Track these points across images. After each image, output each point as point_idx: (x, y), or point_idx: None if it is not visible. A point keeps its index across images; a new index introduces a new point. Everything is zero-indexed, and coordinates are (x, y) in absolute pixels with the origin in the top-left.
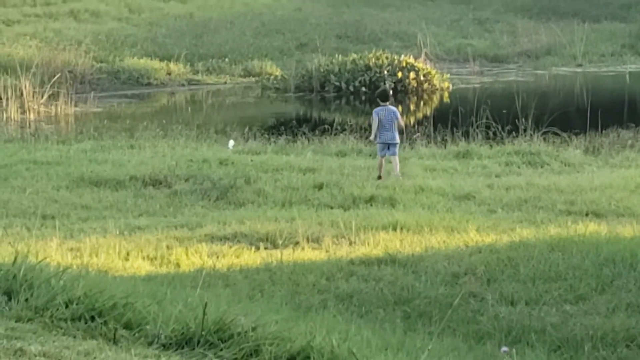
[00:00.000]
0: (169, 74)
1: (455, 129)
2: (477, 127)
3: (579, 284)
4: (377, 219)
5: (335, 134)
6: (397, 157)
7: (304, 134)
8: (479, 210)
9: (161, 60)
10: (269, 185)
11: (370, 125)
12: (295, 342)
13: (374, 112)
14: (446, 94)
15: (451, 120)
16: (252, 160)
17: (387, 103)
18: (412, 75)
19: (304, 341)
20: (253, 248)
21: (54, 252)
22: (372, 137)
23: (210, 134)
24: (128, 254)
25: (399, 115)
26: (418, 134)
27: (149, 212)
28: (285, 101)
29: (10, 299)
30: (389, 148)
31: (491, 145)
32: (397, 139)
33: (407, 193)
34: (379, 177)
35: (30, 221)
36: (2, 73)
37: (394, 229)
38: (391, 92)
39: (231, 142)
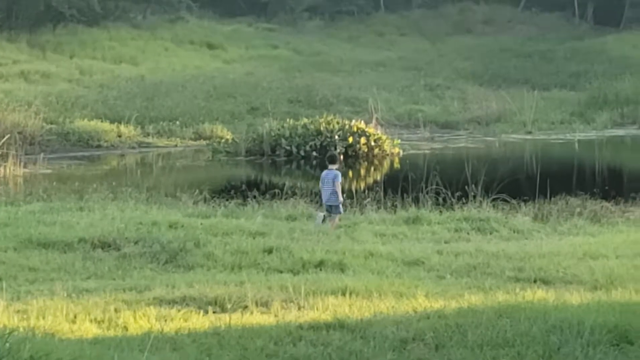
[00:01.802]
0: (120, 136)
1: (405, 195)
2: (427, 193)
3: (526, 350)
4: (326, 284)
5: (285, 198)
6: (335, 219)
7: (254, 197)
8: (428, 276)
9: (112, 122)
10: (219, 248)
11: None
12: None
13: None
14: (396, 160)
15: (401, 185)
16: (201, 224)
17: (334, 167)
18: (363, 140)
19: None
20: (202, 312)
21: (0, 315)
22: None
23: (160, 197)
24: (75, 317)
25: (338, 179)
26: (368, 199)
27: (98, 275)
28: (236, 165)
29: None
30: (330, 207)
31: (441, 211)
32: (333, 201)
33: (357, 258)
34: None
35: None
36: None
37: (343, 294)
38: (341, 156)
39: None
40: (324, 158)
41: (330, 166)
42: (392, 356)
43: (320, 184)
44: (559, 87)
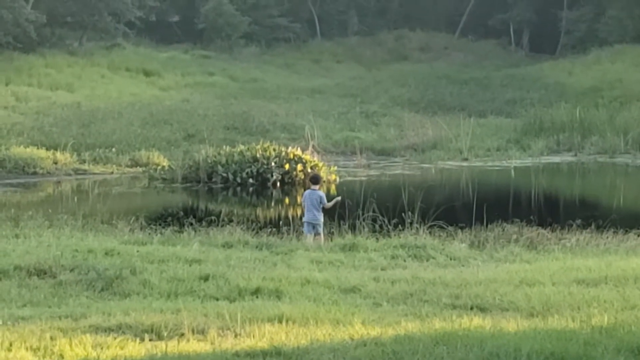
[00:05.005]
0: (56, 163)
1: (341, 222)
2: (364, 220)
3: None
4: (262, 311)
5: (222, 225)
6: (321, 235)
7: (191, 224)
8: (365, 303)
9: (48, 149)
10: (155, 276)
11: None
12: None
13: (303, 195)
14: (333, 187)
15: (338, 212)
16: (138, 251)
17: (317, 187)
18: (299, 167)
19: None
20: (138, 339)
21: None
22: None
23: (96, 224)
24: (11, 345)
25: (324, 199)
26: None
27: (33, 302)
28: (172, 192)
29: None
30: (314, 227)
31: (377, 238)
32: (315, 219)
33: (293, 285)
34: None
35: None
36: None
37: (280, 321)
38: (277, 184)
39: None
40: (260, 185)
41: (313, 186)
42: None
43: (303, 202)
44: (495, 114)
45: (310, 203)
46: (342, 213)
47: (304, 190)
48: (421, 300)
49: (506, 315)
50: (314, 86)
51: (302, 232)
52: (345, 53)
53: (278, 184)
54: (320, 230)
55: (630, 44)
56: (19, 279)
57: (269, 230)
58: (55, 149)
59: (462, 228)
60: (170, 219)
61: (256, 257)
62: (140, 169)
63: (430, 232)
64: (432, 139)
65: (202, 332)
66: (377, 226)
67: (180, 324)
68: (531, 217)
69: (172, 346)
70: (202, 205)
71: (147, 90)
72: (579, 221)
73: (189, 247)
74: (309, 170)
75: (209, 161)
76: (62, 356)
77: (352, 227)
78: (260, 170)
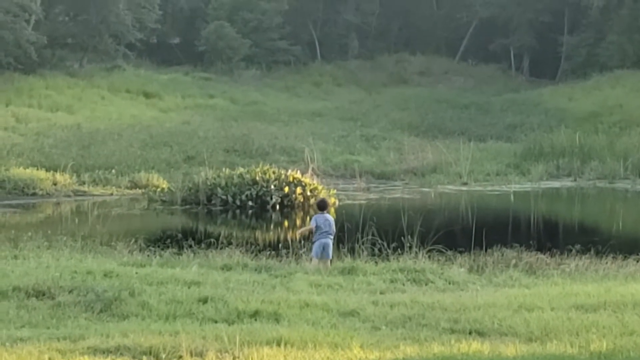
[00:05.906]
0: (55, 184)
1: (341, 245)
2: (363, 244)
3: None
4: (261, 334)
5: (221, 248)
6: (329, 260)
7: (190, 247)
8: (363, 327)
9: (47, 170)
10: (154, 298)
11: (310, 226)
12: None
13: (313, 218)
14: (332, 210)
15: (337, 236)
16: (137, 273)
17: (325, 212)
18: (299, 190)
19: None
20: None
21: None
22: (304, 230)
23: (96, 246)
24: None
25: (333, 223)
26: (304, 250)
27: (32, 324)
28: (172, 214)
29: None
30: (323, 249)
31: (376, 262)
32: (331, 244)
33: (292, 308)
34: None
35: None
36: None
37: (278, 345)
38: (276, 206)
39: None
40: (260, 208)
41: (319, 211)
42: None
43: (315, 224)
44: (495, 138)
45: (324, 227)
46: (342, 236)
47: (303, 213)
48: (420, 324)
49: (505, 340)
50: (314, 109)
51: (302, 254)
52: (346, 76)
53: (277, 206)
54: (330, 254)
55: (631, 69)
56: (18, 300)
57: (268, 253)
58: (55, 170)
59: (461, 252)
60: (169, 241)
61: (255, 279)
62: (139, 191)
63: (429, 256)
64: (432, 163)
65: (200, 355)
66: (376, 250)
67: (179, 347)
68: (530, 242)
69: None
70: (201, 227)
71: (147, 112)
72: (578, 246)
73: (187, 269)
74: (309, 193)
75: (209, 183)
76: None
77: (352, 251)
78: (260, 193)
